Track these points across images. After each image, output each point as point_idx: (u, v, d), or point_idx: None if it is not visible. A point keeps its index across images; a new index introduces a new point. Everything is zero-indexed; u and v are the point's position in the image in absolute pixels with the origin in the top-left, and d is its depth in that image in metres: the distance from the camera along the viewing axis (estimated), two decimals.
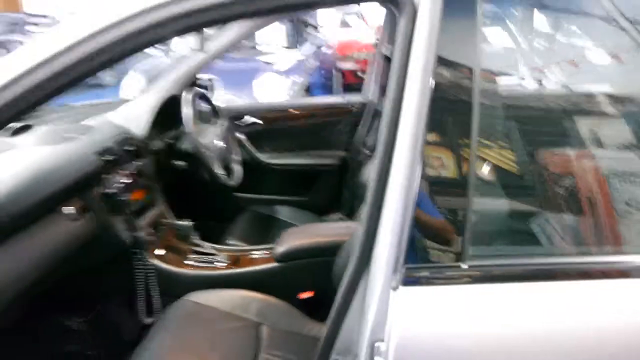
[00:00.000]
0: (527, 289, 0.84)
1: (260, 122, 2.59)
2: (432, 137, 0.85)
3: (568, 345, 0.83)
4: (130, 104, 2.18)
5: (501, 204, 0.93)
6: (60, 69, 0.89)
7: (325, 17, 9.22)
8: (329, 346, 0.96)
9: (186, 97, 2.05)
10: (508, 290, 0.85)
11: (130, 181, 1.84)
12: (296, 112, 2.72)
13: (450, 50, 0.86)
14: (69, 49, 0.89)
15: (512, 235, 0.94)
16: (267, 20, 2.40)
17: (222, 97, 2.62)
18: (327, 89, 6.33)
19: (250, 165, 2.52)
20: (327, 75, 6.49)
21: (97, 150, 1.71)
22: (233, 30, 2.27)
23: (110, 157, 1.73)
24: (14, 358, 1.71)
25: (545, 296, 0.84)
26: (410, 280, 0.83)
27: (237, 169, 2.29)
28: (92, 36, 0.88)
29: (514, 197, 0.94)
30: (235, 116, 2.58)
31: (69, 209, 1.56)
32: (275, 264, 1.82)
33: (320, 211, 2.51)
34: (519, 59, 1.05)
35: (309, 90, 5.29)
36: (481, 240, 0.88)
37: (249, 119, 2.58)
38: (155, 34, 0.89)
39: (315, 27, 7.08)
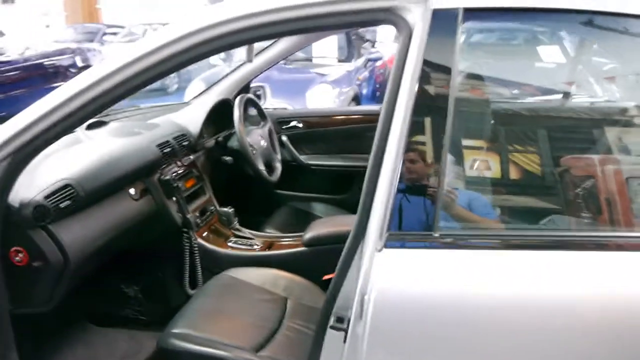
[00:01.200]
0: (481, 255, 1.03)
1: (301, 125, 2.84)
2: (415, 135, 1.06)
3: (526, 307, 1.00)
4: (190, 106, 2.50)
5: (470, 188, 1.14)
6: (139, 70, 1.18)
7: (385, 33, 9.44)
8: (331, 302, 1.14)
9: (237, 101, 2.34)
10: (467, 256, 1.04)
11: (184, 171, 2.15)
12: (337, 118, 2.95)
13: (434, 61, 1.07)
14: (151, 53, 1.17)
15: (475, 210, 1.14)
16: (313, 36, 2.66)
17: (275, 104, 2.89)
18: (377, 100, 6.52)
19: (291, 165, 2.77)
20: (379, 87, 6.70)
21: (158, 143, 2.02)
22: (282, 44, 2.54)
23: (168, 150, 2.05)
24: (75, 314, 2.03)
25: (496, 262, 1.03)
26: (391, 243, 1.02)
27: (278, 167, 2.55)
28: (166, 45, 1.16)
29: (480, 184, 1.15)
30: (280, 120, 2.85)
31: (132, 190, 1.87)
32: (303, 249, 2.05)
33: (353, 209, 2.70)
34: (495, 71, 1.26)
35: (357, 101, 5.50)
36: (449, 213, 1.09)
37: (293, 122, 2.84)
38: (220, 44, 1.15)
39: (373, 42, 7.30)
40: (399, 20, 1.08)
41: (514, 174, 1.15)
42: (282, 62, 5.56)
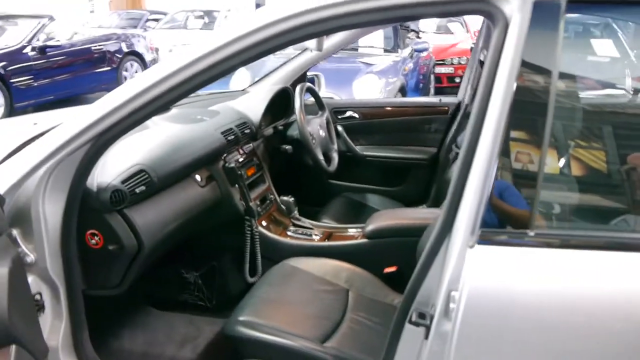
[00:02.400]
0: (581, 256, 0.99)
1: (357, 116, 2.81)
2: (513, 131, 1.03)
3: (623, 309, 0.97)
4: (249, 94, 2.50)
5: (566, 188, 1.09)
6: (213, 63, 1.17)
7: (426, 23, 9.31)
8: (411, 297, 1.12)
9: (297, 89, 2.33)
10: (566, 257, 1.00)
11: (245, 159, 2.15)
12: (393, 109, 2.91)
13: (534, 58, 1.02)
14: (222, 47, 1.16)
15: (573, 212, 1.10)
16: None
17: (323, 94, 2.86)
18: (422, 92, 6.42)
19: (346, 156, 2.74)
20: (423, 78, 6.60)
21: (222, 130, 2.02)
22: (341, 33, 2.50)
23: (231, 137, 2.05)
24: (136, 298, 2.05)
25: (598, 264, 0.99)
26: (484, 241, 1.00)
27: (335, 157, 2.53)
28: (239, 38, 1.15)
29: (576, 184, 1.10)
30: (335, 109, 2.82)
31: (198, 177, 1.88)
32: (365, 240, 2.03)
33: (408, 202, 2.68)
34: (598, 69, 1.20)
35: (403, 92, 5.42)
36: (547, 213, 1.05)
37: (349, 113, 2.82)
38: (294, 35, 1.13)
39: (417, 32, 7.20)
40: (494, 11, 1.03)
41: (616, 174, 1.10)
42: None
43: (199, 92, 2.64)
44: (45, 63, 6.90)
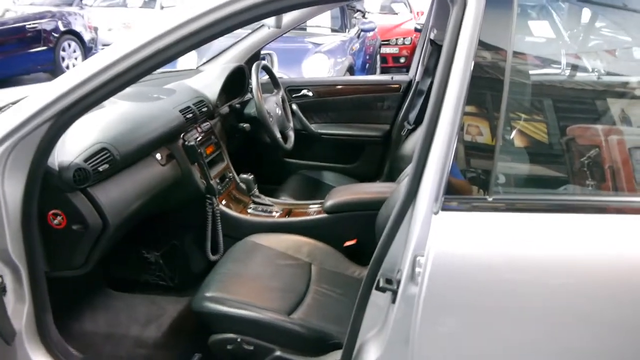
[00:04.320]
0: (532, 219, 1.07)
1: (311, 94, 2.84)
2: (471, 107, 1.09)
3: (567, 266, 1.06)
4: (204, 72, 2.47)
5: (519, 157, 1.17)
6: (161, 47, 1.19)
7: (371, 3, 9.38)
8: (378, 264, 1.16)
9: (254, 68, 2.33)
10: (520, 219, 1.07)
11: (203, 137, 2.14)
12: (346, 87, 2.95)
13: (489, 36, 1.08)
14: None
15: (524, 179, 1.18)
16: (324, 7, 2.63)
17: (276, 73, 2.87)
18: (369, 72, 6.49)
19: (301, 134, 2.77)
20: (369, 58, 6.67)
21: (179, 108, 2.01)
22: (294, 13, 2.51)
23: (190, 115, 2.03)
24: (95, 280, 2.02)
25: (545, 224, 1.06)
26: (447, 207, 1.06)
27: (291, 135, 2.55)
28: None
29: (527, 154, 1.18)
30: (290, 88, 2.84)
31: (159, 155, 1.86)
32: (325, 215, 2.08)
33: (362, 178, 2.75)
34: (550, 46, 1.28)
35: (352, 71, 5.48)
36: (502, 180, 1.12)
37: (304, 91, 2.84)
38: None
39: (363, 13, 7.25)
40: None
41: (559, 145, 1.19)
42: None
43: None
44: None
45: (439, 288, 1.06)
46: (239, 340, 1.51)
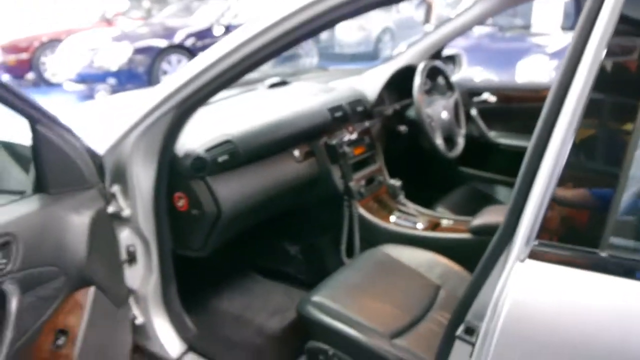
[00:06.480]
0: None
1: (494, 99, 2.55)
2: (591, 120, 0.83)
3: None
4: (373, 70, 2.41)
5: None
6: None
7: None
8: (463, 309, 0.99)
9: (419, 67, 2.18)
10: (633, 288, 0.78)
11: (355, 138, 2.09)
12: (535, 94, 2.58)
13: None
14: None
15: None
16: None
17: (463, 74, 2.64)
18: None
19: (478, 142, 2.52)
20: None
21: (330, 107, 1.99)
22: (478, 8, 2.28)
23: (339, 114, 2.00)
24: (244, 265, 2.15)
25: None
26: (537, 255, 0.84)
27: (460, 143, 2.34)
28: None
29: None
30: (471, 91, 2.60)
31: (297, 152, 1.88)
32: (469, 236, 1.85)
33: None
34: None
35: None
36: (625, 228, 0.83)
37: (485, 95, 2.57)
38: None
39: None
40: None
41: None
42: (496, 29, 5.13)
43: (328, 66, 2.66)
44: None
45: (509, 345, 0.85)
46: (331, 353, 1.44)
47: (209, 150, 1.54)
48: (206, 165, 1.53)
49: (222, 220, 1.59)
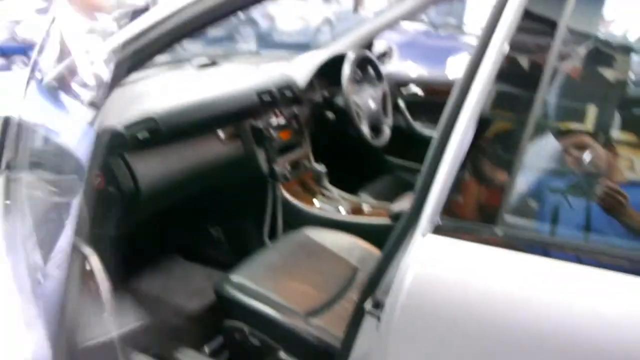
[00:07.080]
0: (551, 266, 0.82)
1: (421, 92, 2.63)
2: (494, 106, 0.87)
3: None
4: (304, 57, 2.42)
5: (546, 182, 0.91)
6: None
7: None
8: (372, 285, 1.03)
9: (349, 56, 2.22)
10: (527, 261, 0.83)
11: (283, 122, 2.09)
12: None
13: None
14: None
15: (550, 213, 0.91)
16: None
17: (394, 67, 2.69)
18: None
19: (404, 132, 2.59)
20: None
21: (258, 90, 1.98)
22: (408, 4, 2.34)
23: (267, 98, 2.00)
24: (167, 246, 2.12)
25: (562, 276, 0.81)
26: (439, 231, 0.88)
27: (386, 132, 2.39)
28: None
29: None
30: (400, 83, 2.66)
31: (222, 133, 1.86)
32: (389, 221, 1.91)
33: None
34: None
35: None
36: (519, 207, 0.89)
37: (412, 87, 2.64)
38: None
39: None
40: None
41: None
42: (430, 27, 5.24)
43: (263, 51, 2.65)
44: None
45: (409, 318, 0.89)
46: (247, 331, 1.45)
47: (128, 127, 1.50)
48: (125, 142, 1.49)
49: (139, 198, 1.56)
